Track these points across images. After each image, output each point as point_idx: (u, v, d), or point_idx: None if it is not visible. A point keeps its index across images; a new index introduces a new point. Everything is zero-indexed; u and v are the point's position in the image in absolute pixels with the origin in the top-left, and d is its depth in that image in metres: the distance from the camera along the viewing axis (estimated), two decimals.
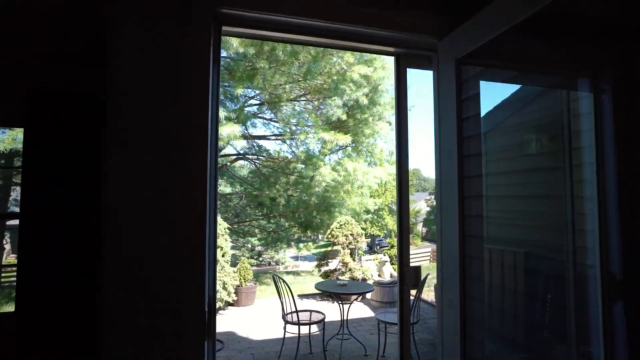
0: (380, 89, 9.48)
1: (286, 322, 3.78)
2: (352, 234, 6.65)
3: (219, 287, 5.37)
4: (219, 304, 5.36)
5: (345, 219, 6.85)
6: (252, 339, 4.60)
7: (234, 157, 13.46)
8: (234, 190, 15.84)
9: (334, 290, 4.00)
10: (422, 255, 22.56)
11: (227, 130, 6.15)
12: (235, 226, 15.99)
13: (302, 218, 13.55)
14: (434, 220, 38.85)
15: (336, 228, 6.66)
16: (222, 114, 7.10)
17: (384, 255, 6.56)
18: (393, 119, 11.11)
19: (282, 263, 39.98)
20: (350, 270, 6.17)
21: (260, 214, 15.09)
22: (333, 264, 6.51)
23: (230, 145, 13.10)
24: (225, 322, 5.31)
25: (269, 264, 39.49)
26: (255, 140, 13.05)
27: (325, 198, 11.18)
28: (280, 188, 12.53)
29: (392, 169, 11.55)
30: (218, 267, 5.72)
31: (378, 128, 9.92)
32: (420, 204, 53.48)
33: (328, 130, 7.86)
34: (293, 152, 12.50)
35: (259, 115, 12.59)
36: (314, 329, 3.80)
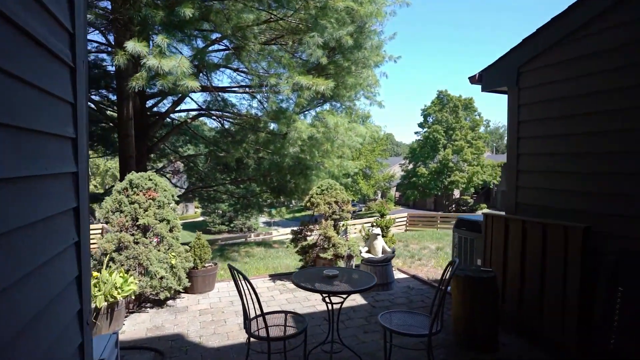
0: (367, 29, 7.95)
1: (250, 334, 2.53)
2: (336, 202, 5.39)
3: (164, 272, 4.00)
4: (165, 294, 4.02)
5: (328, 182, 5.56)
6: (207, 345, 3.35)
7: (195, 112, 11.67)
8: (197, 152, 14.11)
9: (322, 287, 2.75)
10: (398, 221, 21.92)
11: (171, 63, 4.56)
12: (202, 191, 14.46)
13: (275, 182, 12.20)
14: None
15: (317, 194, 5.38)
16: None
17: (373, 225, 5.37)
18: (379, 69, 9.63)
19: (255, 229, 39.01)
20: (334, 245, 4.96)
21: (228, 178, 13.55)
22: (312, 237, 5.26)
23: (190, 98, 11.29)
24: (172, 319, 4.01)
25: (241, 230, 38.38)
26: (219, 94, 11.28)
27: (300, 160, 9.84)
28: (250, 148, 11.01)
29: (376, 128, 10.22)
30: (163, 247, 4.32)
31: (363, 77, 8.48)
32: (395, 168, 53.31)
33: (305, 74, 6.36)
34: (264, 108, 10.91)
35: (223, 65, 10.78)
36: (291, 332, 2.56)
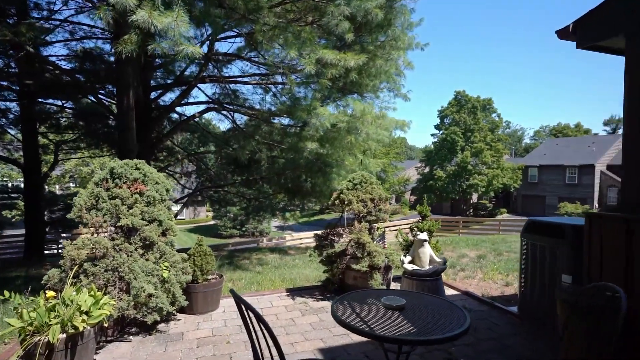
0: (399, 3, 6.91)
1: None
2: (372, 199, 4.33)
3: (153, 289, 2.98)
4: (153, 317, 3.00)
5: (362, 174, 4.51)
6: None
7: (204, 106, 10.76)
8: (207, 149, 13.19)
9: (384, 328, 1.68)
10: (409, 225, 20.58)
11: (166, 20, 3.58)
12: (210, 192, 13.54)
13: (289, 182, 11.18)
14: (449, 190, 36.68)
15: (348, 189, 4.33)
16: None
17: (419, 231, 4.28)
18: (403, 58, 8.56)
19: (267, 233, 38.12)
20: (369, 254, 3.89)
21: (239, 178, 12.59)
22: (341, 243, 4.21)
23: (199, 89, 10.40)
24: (161, 352, 2.98)
25: (253, 234, 37.56)
26: (229, 86, 10.36)
27: (319, 156, 8.80)
28: (262, 143, 10.02)
29: (403, 122, 9.11)
30: (152, 255, 3.31)
31: (393, 59, 7.42)
32: (410, 172, 51.90)
33: (330, 49, 5.32)
34: (278, 102, 9.93)
35: (235, 55, 9.88)
36: None
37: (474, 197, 44.46)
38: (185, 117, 11.13)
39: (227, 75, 9.95)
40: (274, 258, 8.01)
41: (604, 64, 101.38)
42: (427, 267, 4.14)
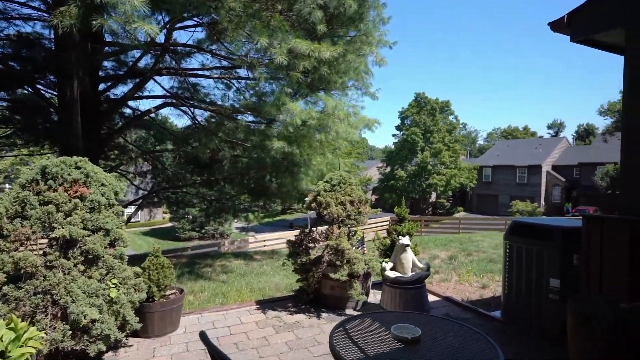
0: None
1: None
2: (352, 201, 3.98)
3: (97, 313, 2.44)
4: (97, 346, 2.45)
5: (340, 175, 4.16)
6: None
7: (161, 100, 9.92)
8: (164, 148, 12.27)
9: None
10: (379, 225, 20.77)
11: None
12: (168, 193, 12.61)
13: (253, 183, 10.62)
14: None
15: (325, 190, 3.94)
16: None
17: (399, 235, 4.00)
18: (384, 50, 8.36)
19: (228, 235, 36.88)
20: (348, 262, 3.55)
21: (198, 178, 11.80)
22: (317, 250, 3.83)
23: (155, 81, 9.57)
24: None
25: (213, 236, 36.17)
26: (189, 79, 9.63)
27: (286, 155, 8.35)
28: (225, 141, 9.40)
29: (373, 121, 8.90)
30: (97, 272, 2.75)
31: (364, 55, 7.16)
32: (372, 172, 52.62)
33: (302, 39, 4.92)
34: (242, 98, 9.37)
35: (195, 47, 9.19)
36: None
37: (433, 197, 45.93)
38: (139, 113, 10.22)
39: (186, 67, 9.22)
40: (239, 264, 7.47)
41: (549, 72, 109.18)
42: (410, 274, 3.87)
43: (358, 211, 4.01)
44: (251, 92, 8.10)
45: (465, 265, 6.52)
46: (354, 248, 3.97)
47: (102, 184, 3.07)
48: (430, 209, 45.47)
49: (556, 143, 45.13)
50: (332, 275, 3.74)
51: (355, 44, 7.30)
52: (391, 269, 3.92)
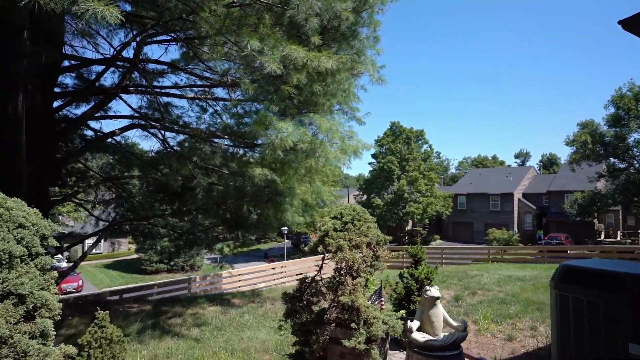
0: (368, 9, 6.15)
1: None
2: (369, 244, 3.13)
3: None
4: None
5: (353, 209, 3.34)
6: None
7: (127, 121, 8.87)
8: (131, 174, 11.03)
9: None
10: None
11: None
12: (134, 225, 11.26)
13: (229, 214, 9.57)
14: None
15: (336, 230, 3.07)
16: None
17: (413, 280, 3.17)
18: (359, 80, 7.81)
19: (199, 267, 34.64)
20: (366, 323, 2.66)
21: (168, 208, 10.59)
22: (320, 306, 2.92)
23: (120, 99, 8.56)
24: None
25: (183, 268, 33.84)
26: (160, 99, 8.70)
27: (270, 183, 7.48)
28: (199, 170, 8.40)
29: (366, 145, 8.24)
30: None
31: (355, 74, 6.57)
32: (345, 200, 52.13)
33: (297, 45, 4.19)
34: (220, 120, 8.54)
35: (169, 65, 8.39)
36: None
37: (409, 225, 45.75)
38: (101, 134, 9.08)
39: (158, 85, 8.33)
40: (215, 313, 6.33)
41: (515, 102, 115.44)
42: (442, 335, 3.03)
43: (375, 256, 3.18)
44: (233, 111, 7.29)
45: (475, 308, 5.74)
46: (370, 303, 3.11)
47: (20, 225, 2.09)
48: (406, 237, 45.12)
49: (525, 172, 46.65)
50: (345, 343, 2.83)
51: (347, 63, 6.68)
52: (418, 329, 3.07)
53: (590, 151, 26.17)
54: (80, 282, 24.92)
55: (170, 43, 7.91)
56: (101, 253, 38.07)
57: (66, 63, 8.14)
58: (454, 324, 3.11)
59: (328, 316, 3.10)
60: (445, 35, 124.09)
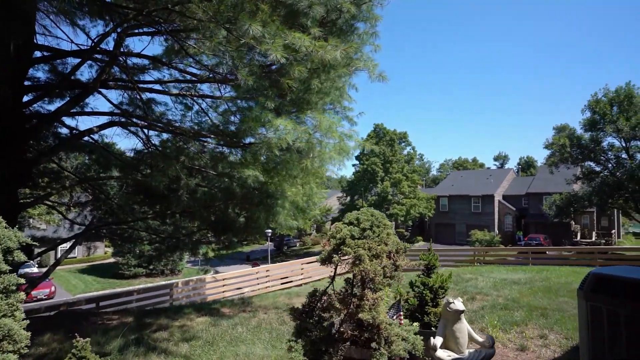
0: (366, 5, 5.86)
1: None
2: (389, 253, 2.81)
3: None
4: None
5: (371, 214, 3.02)
6: None
7: (107, 118, 8.28)
8: (109, 175, 10.38)
9: None
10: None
11: None
12: (113, 229, 10.60)
13: (214, 217, 9.10)
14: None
15: (353, 238, 2.73)
16: None
17: (441, 293, 2.89)
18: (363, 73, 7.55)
19: (179, 271, 33.62)
20: (387, 341, 2.34)
21: (150, 211, 10.01)
22: (334, 323, 2.58)
23: (100, 94, 7.99)
24: None
25: (163, 272, 32.75)
26: (144, 93, 8.17)
27: (262, 184, 7.12)
28: (185, 171, 7.92)
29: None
30: None
31: (352, 71, 6.29)
32: (331, 201, 51.95)
33: (300, 33, 3.85)
34: (209, 118, 8.10)
35: (154, 60, 7.90)
36: None
37: (393, 226, 46.03)
38: (77, 132, 8.44)
39: (140, 80, 7.81)
40: (205, 325, 5.88)
41: (496, 106, 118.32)
42: (467, 353, 2.75)
43: (395, 266, 2.87)
44: (222, 108, 6.87)
45: (479, 314, 5.53)
46: (390, 316, 2.80)
47: None
48: None
49: (505, 174, 47.67)
50: None
51: (347, 57, 6.38)
52: (442, 346, 2.79)
53: (568, 154, 26.86)
54: (53, 289, 23.64)
55: (154, 36, 7.43)
56: (75, 257, 36.48)
57: (38, 54, 7.53)
58: (480, 339, 2.85)
59: (339, 331, 2.77)
60: (426, 39, 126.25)
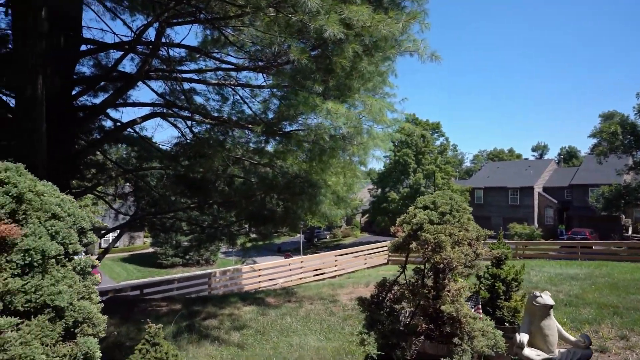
0: None
1: None
2: (469, 240, 2.55)
3: None
4: None
5: (450, 197, 2.77)
6: None
7: (148, 109, 8.39)
8: (151, 166, 10.58)
9: None
10: (376, 251, 19.24)
11: None
12: (155, 219, 10.86)
13: (255, 207, 9.05)
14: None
15: (432, 223, 2.48)
16: None
17: (514, 286, 2.58)
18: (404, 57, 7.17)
19: (214, 261, 34.54)
20: (469, 336, 2.07)
21: (189, 202, 10.13)
22: (405, 314, 2.35)
23: (145, 84, 8.10)
24: None
25: (198, 262, 33.76)
26: (183, 83, 8.19)
27: (304, 173, 6.99)
28: (226, 161, 7.89)
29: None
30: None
31: (406, 48, 5.92)
32: (361, 194, 51.48)
33: (352, 5, 3.59)
34: (245, 108, 8.01)
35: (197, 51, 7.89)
36: None
37: None
38: (120, 124, 8.61)
39: (181, 70, 7.82)
40: (252, 314, 5.85)
41: (533, 94, 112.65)
42: (557, 353, 2.46)
43: (475, 254, 2.61)
44: (263, 95, 6.74)
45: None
46: (471, 310, 2.55)
47: (53, 216, 1.58)
48: None
49: (545, 165, 45.27)
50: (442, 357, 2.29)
51: (390, 39, 6.05)
52: (529, 344, 2.51)
53: (620, 142, 25.01)
54: (99, 276, 24.92)
55: (194, 24, 7.40)
56: (117, 246, 38.30)
57: (84, 48, 7.71)
58: (571, 338, 2.55)
59: (410, 324, 2.55)
60: (460, 25, 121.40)
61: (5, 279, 1.35)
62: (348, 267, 17.02)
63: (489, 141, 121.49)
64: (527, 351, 2.48)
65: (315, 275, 16.03)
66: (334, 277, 15.68)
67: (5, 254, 1.39)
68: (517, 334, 2.60)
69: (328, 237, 49.74)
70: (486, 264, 3.37)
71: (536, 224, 39.15)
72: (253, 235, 11.31)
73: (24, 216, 1.49)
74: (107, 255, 34.97)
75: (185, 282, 13.37)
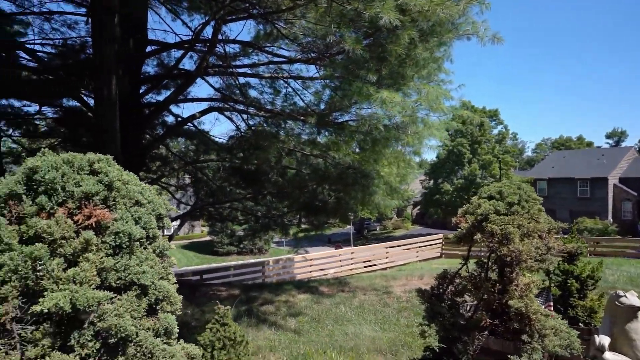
0: None
1: None
2: (540, 232, 2.39)
3: None
4: None
5: (519, 187, 2.61)
6: None
7: (206, 104, 8.83)
8: (209, 158, 11.16)
9: None
10: (429, 244, 18.71)
11: None
12: (212, 209, 11.50)
13: (307, 198, 9.19)
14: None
15: (498, 213, 2.35)
16: None
17: (590, 284, 2.35)
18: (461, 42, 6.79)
19: (266, 250, 35.83)
20: (540, 334, 1.92)
21: (243, 192, 10.55)
22: (467, 308, 2.25)
23: (204, 80, 8.52)
24: None
25: (251, 251, 35.25)
26: (238, 78, 8.49)
27: (357, 164, 6.95)
28: (280, 152, 8.07)
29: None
30: None
31: (465, 32, 5.61)
32: (414, 185, 50.17)
33: None
34: (297, 100, 8.11)
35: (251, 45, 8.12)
36: None
37: None
38: (181, 119, 9.16)
39: (236, 65, 8.11)
40: (307, 302, 6.02)
41: (608, 77, 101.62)
42: None
43: (547, 247, 2.44)
44: (316, 86, 6.78)
45: None
46: (540, 304, 2.40)
47: (137, 203, 1.73)
48: None
49: (623, 153, 40.69)
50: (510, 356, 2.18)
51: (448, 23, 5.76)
52: (611, 349, 2.31)
53: None
54: (173, 259, 27.00)
55: (248, 19, 7.61)
56: (178, 234, 41.14)
57: (148, 49, 8.28)
58: None
59: (473, 318, 2.46)
60: (519, 3, 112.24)
61: (102, 257, 1.52)
62: (399, 259, 16.79)
63: (554, 129, 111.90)
64: (609, 355, 2.26)
65: (365, 267, 16.02)
66: (385, 269, 15.54)
67: (101, 236, 1.56)
68: (595, 336, 2.38)
69: (378, 228, 49.21)
70: (557, 259, 3.14)
71: (610, 219, 35.50)
72: (305, 226, 11.54)
73: (113, 202, 1.66)
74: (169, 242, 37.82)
75: (240, 269, 14.04)
